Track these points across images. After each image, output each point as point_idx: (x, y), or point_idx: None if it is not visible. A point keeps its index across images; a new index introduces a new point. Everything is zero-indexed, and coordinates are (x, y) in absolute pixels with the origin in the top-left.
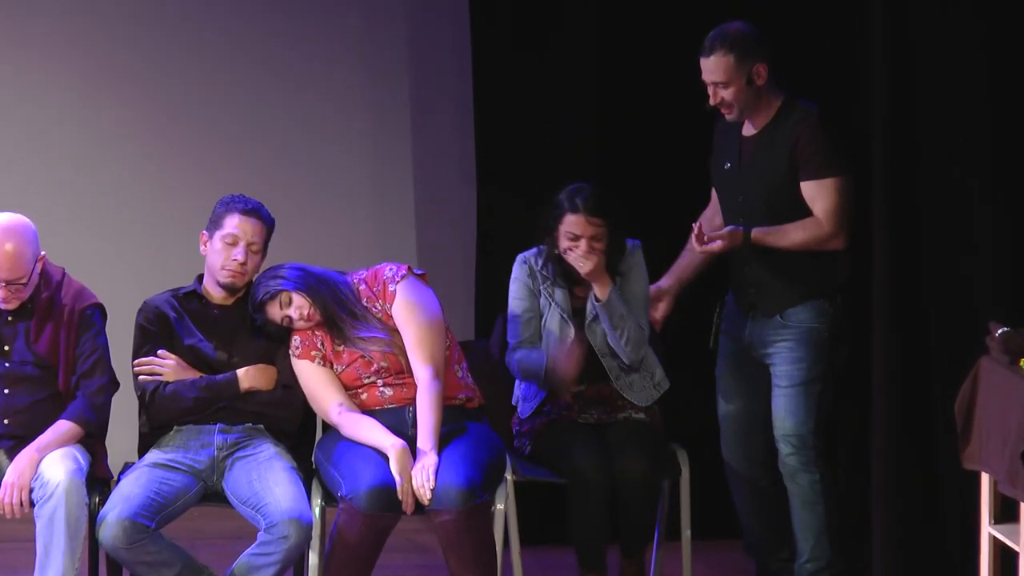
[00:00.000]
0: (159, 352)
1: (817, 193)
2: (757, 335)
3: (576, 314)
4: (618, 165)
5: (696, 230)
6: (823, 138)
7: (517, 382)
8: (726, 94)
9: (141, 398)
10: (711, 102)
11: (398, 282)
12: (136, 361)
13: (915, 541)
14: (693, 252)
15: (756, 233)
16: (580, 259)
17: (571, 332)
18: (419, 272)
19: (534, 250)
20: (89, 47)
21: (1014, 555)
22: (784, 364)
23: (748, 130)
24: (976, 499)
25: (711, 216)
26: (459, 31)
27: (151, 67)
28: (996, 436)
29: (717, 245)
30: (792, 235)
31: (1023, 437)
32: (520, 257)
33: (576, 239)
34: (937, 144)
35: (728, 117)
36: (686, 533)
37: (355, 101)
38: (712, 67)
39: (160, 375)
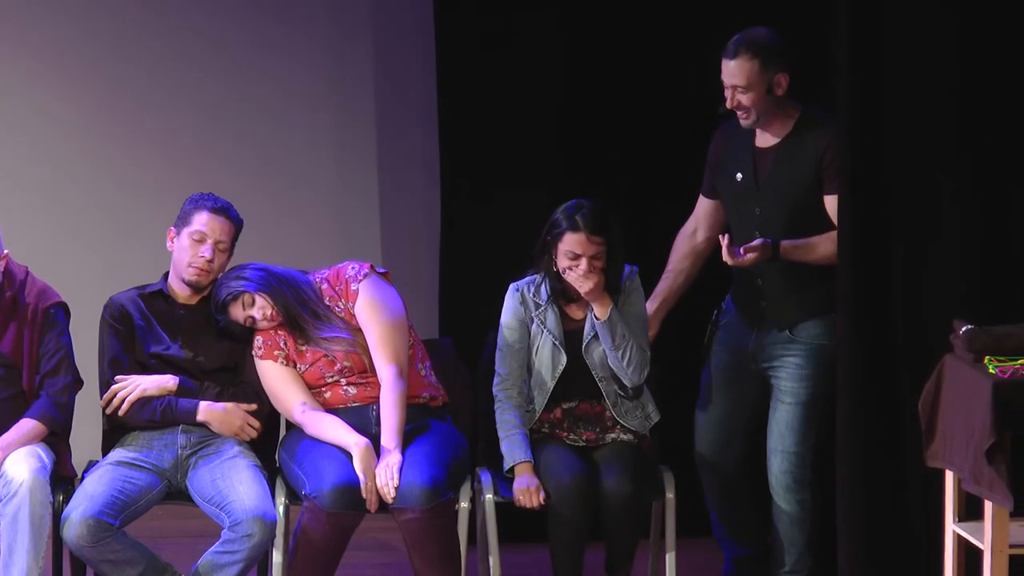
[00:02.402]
0: (116, 378)
1: None
2: (763, 348)
3: (568, 338)
4: (582, 167)
5: (725, 243)
6: None
7: None
8: (744, 99)
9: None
10: (728, 105)
11: (360, 281)
12: (104, 398)
13: (880, 539)
14: (675, 274)
15: (786, 246)
16: (580, 279)
17: (563, 360)
18: (382, 271)
19: (527, 279)
20: (55, 43)
21: (979, 553)
22: (790, 380)
23: (765, 141)
24: (940, 497)
25: (693, 230)
26: (424, 31)
27: (117, 64)
28: (960, 434)
29: (750, 258)
30: (821, 248)
31: (987, 435)
32: (513, 286)
33: (576, 258)
34: (904, 144)
35: (744, 123)
36: (670, 555)
37: (320, 100)
38: (734, 70)
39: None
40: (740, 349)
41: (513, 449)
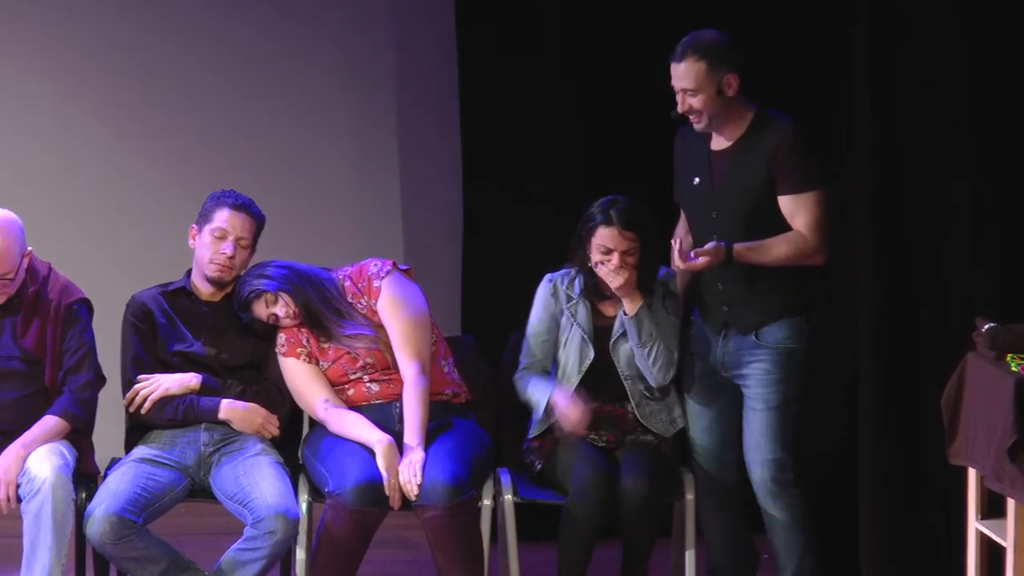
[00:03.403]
0: (138, 378)
1: (798, 207)
2: (731, 355)
3: (599, 335)
4: (603, 161)
5: (677, 247)
6: (801, 151)
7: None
8: (695, 102)
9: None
10: (679, 109)
11: (383, 278)
12: (126, 397)
13: (903, 536)
14: (681, 274)
15: (739, 248)
16: (611, 273)
17: (590, 354)
18: (404, 267)
19: (562, 271)
20: (74, 43)
21: (1001, 550)
22: (759, 387)
23: (718, 144)
24: (963, 495)
25: (683, 235)
26: (445, 28)
27: (137, 64)
28: (983, 431)
29: (701, 262)
30: (775, 250)
31: (1009, 432)
32: (547, 277)
33: (608, 252)
34: (922, 145)
35: (697, 127)
36: (690, 552)
37: (341, 98)
38: (682, 73)
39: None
40: (708, 357)
41: (545, 390)
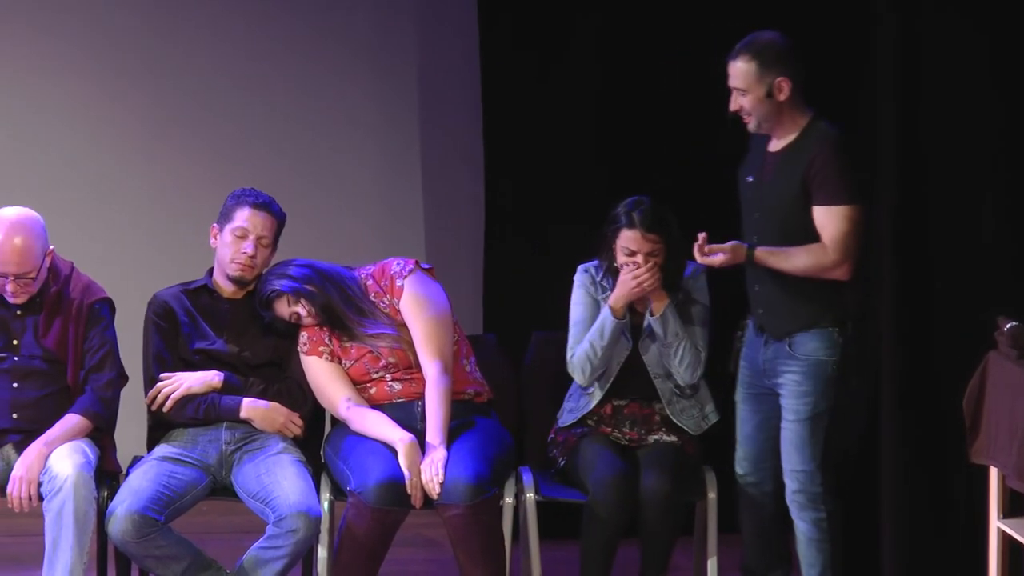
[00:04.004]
0: (160, 376)
1: (827, 220)
2: (769, 363)
3: (633, 330)
4: (626, 160)
5: (700, 240)
6: (837, 164)
7: (568, 394)
8: (744, 101)
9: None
10: (731, 108)
11: (405, 277)
12: (149, 395)
13: (924, 535)
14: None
15: (759, 252)
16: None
17: (628, 343)
18: (427, 266)
19: (594, 262)
20: (99, 48)
21: (1023, 549)
22: (791, 397)
23: (773, 145)
24: (985, 493)
25: None
26: (467, 30)
27: (159, 63)
28: (1005, 430)
29: (718, 259)
30: (795, 259)
31: None
32: (581, 267)
33: (632, 254)
34: (944, 143)
35: (748, 127)
36: (712, 560)
37: (364, 98)
38: (734, 72)
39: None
40: (755, 362)
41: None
